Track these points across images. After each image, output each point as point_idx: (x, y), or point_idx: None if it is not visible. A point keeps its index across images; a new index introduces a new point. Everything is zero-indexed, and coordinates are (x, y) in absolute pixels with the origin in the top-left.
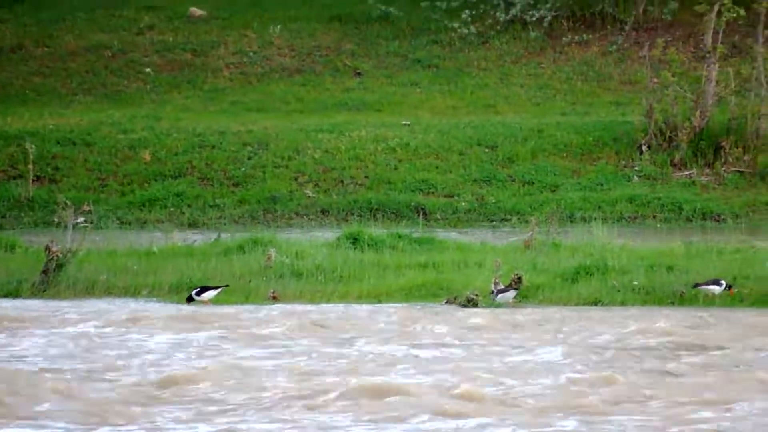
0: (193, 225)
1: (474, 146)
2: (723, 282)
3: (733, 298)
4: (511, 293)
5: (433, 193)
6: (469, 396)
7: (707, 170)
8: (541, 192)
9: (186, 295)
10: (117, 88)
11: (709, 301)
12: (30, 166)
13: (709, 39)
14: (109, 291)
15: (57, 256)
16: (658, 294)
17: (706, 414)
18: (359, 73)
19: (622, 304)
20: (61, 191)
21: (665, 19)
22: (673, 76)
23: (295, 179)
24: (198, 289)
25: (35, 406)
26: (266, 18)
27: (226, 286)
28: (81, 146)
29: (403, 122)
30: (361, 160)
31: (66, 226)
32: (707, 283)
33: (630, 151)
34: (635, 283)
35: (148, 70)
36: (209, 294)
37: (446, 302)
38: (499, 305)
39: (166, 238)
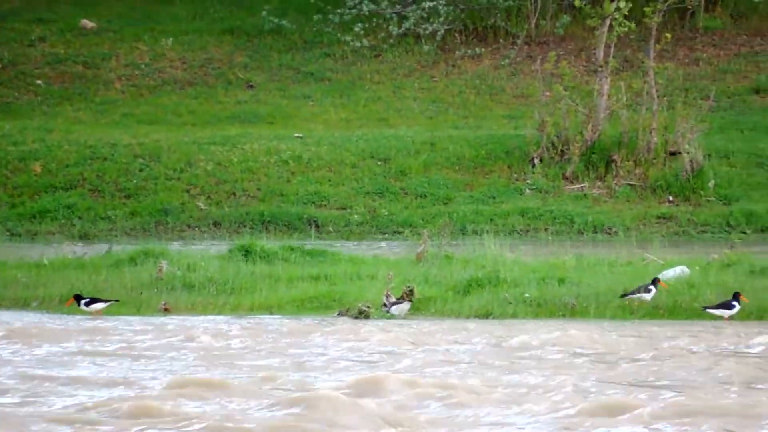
0: (84, 237)
1: (367, 159)
2: (735, 304)
3: (624, 310)
4: (406, 305)
5: (325, 205)
6: None
7: (599, 183)
8: (434, 205)
9: (75, 296)
10: (7, 100)
11: (600, 314)
12: None
13: (600, 53)
14: None
15: None
16: (549, 306)
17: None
18: (251, 86)
19: (514, 316)
20: None
21: (557, 33)
22: (565, 89)
23: (187, 191)
24: (88, 300)
25: None
26: (158, 31)
27: (116, 300)
28: None
29: (296, 135)
30: (254, 173)
31: None
32: (718, 307)
33: (522, 164)
34: (527, 295)
35: (39, 82)
36: (98, 306)
37: (338, 314)
38: (391, 317)
39: (57, 250)
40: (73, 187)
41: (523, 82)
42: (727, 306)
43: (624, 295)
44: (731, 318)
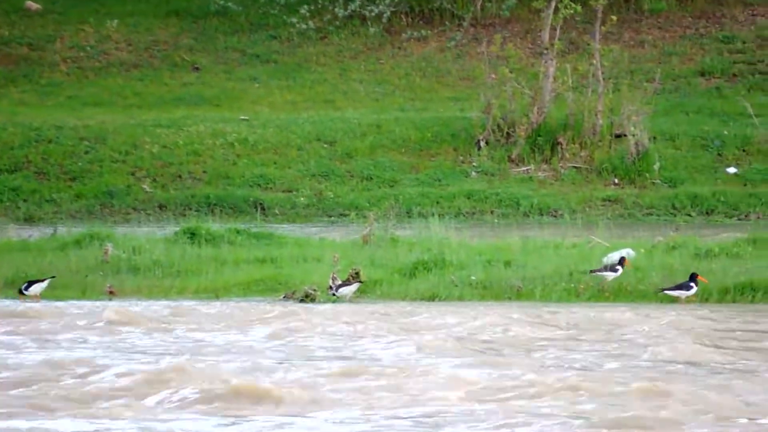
0: (29, 220)
1: (313, 141)
2: (693, 285)
3: (570, 293)
4: (354, 286)
5: (271, 188)
6: None
7: (544, 166)
8: (380, 187)
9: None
10: None
11: (545, 296)
12: None
13: (546, 35)
14: None
15: None
16: (495, 289)
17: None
18: (197, 68)
19: (460, 299)
20: None
21: (503, 15)
22: (510, 72)
23: (133, 174)
24: (26, 284)
25: None
26: (103, 12)
27: (53, 277)
28: None
29: (242, 117)
30: (199, 155)
31: None
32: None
33: (468, 146)
34: (473, 278)
35: None
36: (36, 288)
37: (284, 297)
38: (336, 300)
39: (2, 233)
40: (18, 169)
41: (469, 64)
42: (685, 287)
43: (592, 271)
44: (688, 299)
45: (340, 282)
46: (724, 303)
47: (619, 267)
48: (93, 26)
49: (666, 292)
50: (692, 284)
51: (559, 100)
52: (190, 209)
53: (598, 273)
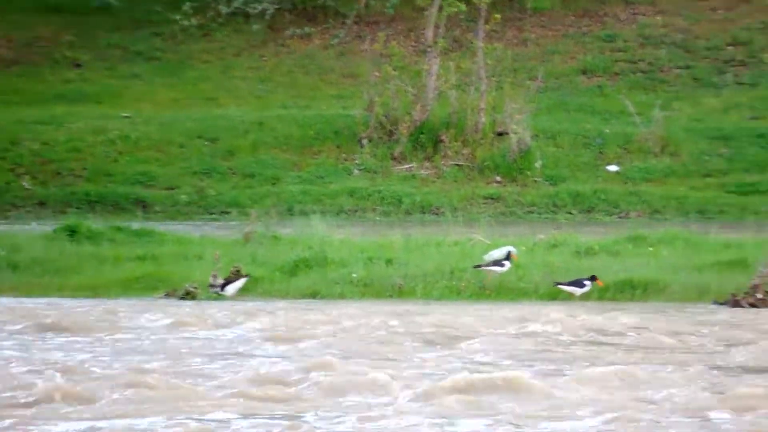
0: None
1: (195, 139)
2: (587, 283)
3: (451, 291)
4: (240, 282)
5: (153, 185)
6: None
7: (427, 164)
8: (262, 185)
9: None
10: None
11: (427, 294)
12: None
13: (430, 33)
14: None
15: None
16: (376, 286)
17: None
18: (78, 65)
19: (341, 296)
20: None
21: (387, 13)
22: (394, 69)
23: (12, 171)
24: None
25: None
26: None
27: None
28: None
29: (124, 114)
30: (80, 152)
31: None
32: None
33: (351, 144)
34: (354, 275)
35: None
36: None
37: (165, 295)
38: (218, 297)
39: None
40: None
41: (352, 62)
42: (579, 284)
43: (477, 266)
44: (583, 296)
45: (221, 280)
46: (604, 300)
47: (506, 262)
48: None
49: (560, 286)
50: (586, 282)
51: (442, 98)
52: (71, 206)
53: (485, 268)
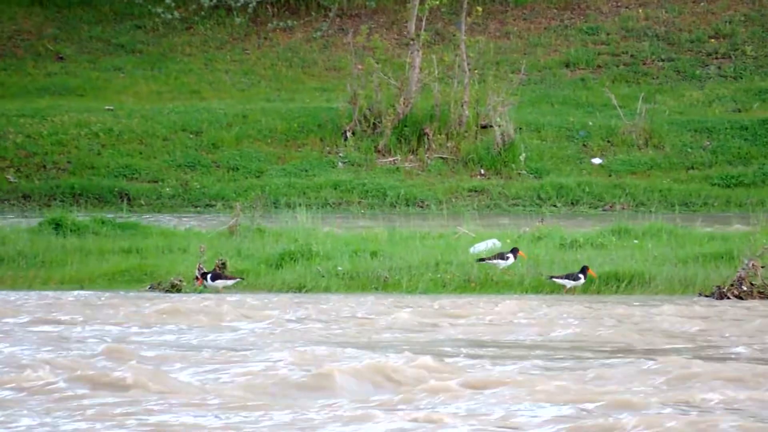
0: None
1: (178, 132)
2: (581, 276)
3: (436, 283)
4: (231, 282)
5: (137, 178)
6: None
7: (411, 157)
8: (246, 178)
9: None
10: None
11: (412, 287)
12: None
13: (412, 26)
14: None
15: None
16: (361, 279)
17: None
18: (61, 58)
19: (326, 290)
20: None
21: (369, 6)
22: (377, 62)
23: None
24: None
25: None
26: None
27: None
28: None
29: (107, 107)
30: (64, 145)
31: None
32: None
33: (335, 137)
34: (339, 268)
35: None
36: None
37: (150, 288)
38: (203, 290)
39: None
40: None
41: (335, 55)
42: (573, 277)
43: (481, 260)
44: (574, 289)
45: (211, 273)
46: (589, 293)
47: (509, 255)
48: None
49: (553, 279)
50: (580, 275)
51: (425, 91)
52: (55, 199)
53: (488, 261)
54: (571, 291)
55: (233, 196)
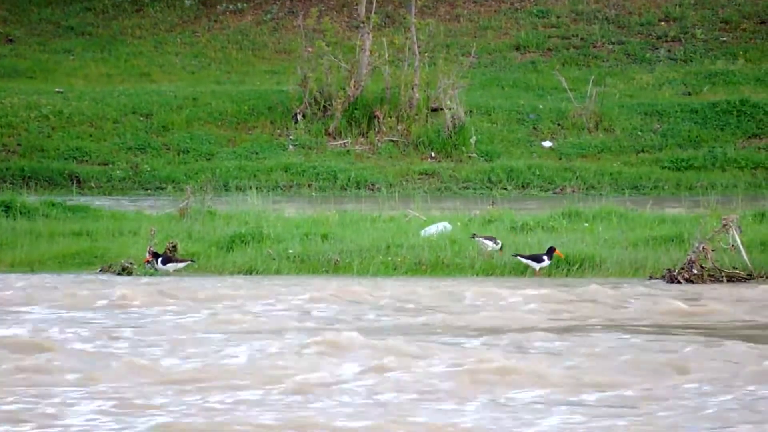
0: None
1: (128, 114)
2: (544, 258)
3: (387, 266)
4: (183, 264)
5: (87, 161)
6: None
7: (362, 139)
8: (197, 160)
9: None
10: None
11: (363, 269)
12: None
13: (362, 9)
14: None
15: None
16: (313, 262)
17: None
18: (11, 40)
19: (277, 272)
20: None
21: None
22: (327, 45)
23: None
24: None
25: None
26: None
27: None
28: None
29: (57, 90)
30: (14, 128)
31: None
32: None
33: (285, 120)
34: (290, 251)
35: None
36: None
37: (101, 270)
38: (154, 273)
39: None
40: None
41: (286, 37)
42: (537, 259)
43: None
44: (540, 271)
45: (162, 257)
46: (540, 276)
47: (545, 257)
48: None
49: (518, 257)
50: (545, 257)
51: (375, 73)
52: (5, 182)
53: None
54: (533, 272)
55: (184, 178)
